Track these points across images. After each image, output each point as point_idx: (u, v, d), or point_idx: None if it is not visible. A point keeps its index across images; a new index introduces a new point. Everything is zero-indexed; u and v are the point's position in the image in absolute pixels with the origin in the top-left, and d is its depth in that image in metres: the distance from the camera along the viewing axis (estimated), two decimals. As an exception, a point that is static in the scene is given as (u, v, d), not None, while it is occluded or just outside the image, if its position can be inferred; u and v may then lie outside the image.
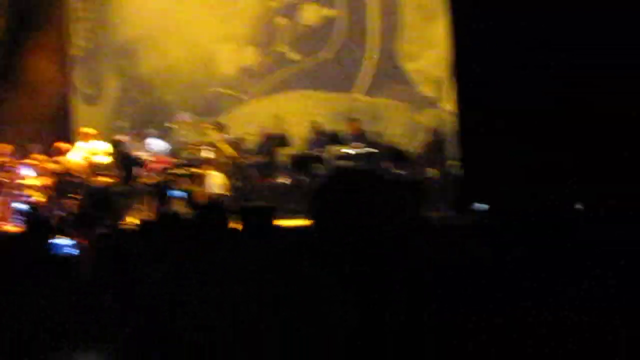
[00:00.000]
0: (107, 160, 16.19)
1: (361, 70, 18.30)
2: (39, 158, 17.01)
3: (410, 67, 17.64)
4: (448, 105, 16.57)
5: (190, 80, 20.68)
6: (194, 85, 20.64)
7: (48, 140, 17.94)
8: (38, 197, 16.51)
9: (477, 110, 11.41)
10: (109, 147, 16.23)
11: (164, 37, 21.08)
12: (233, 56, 19.99)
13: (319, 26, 18.96)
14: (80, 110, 22.09)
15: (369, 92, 18.23)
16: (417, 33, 17.56)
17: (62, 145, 16.74)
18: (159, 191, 11.00)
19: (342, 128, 17.19)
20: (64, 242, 10.57)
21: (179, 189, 14.45)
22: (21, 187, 17.46)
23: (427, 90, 17.52)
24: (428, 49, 17.34)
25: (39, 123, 19.53)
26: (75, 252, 8.98)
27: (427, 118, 17.54)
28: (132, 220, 14.00)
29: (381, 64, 18.08)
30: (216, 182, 15.50)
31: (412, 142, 17.30)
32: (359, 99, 18.30)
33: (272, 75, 19.55)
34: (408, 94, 17.71)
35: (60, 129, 20.52)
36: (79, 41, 22.61)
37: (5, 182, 17.76)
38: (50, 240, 7.23)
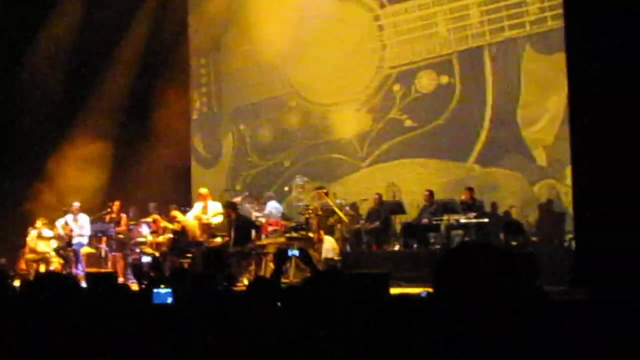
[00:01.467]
0: (222, 220, 16.40)
1: (477, 139, 18.21)
2: (156, 217, 17.38)
3: (528, 136, 17.43)
4: (565, 179, 16.39)
5: (306, 145, 20.92)
6: (310, 150, 20.86)
7: (167, 200, 18.34)
8: (153, 254, 16.85)
9: (595, 185, 11.25)
10: (224, 209, 16.44)
11: (278, 103, 21.45)
12: (349, 122, 20.08)
13: (435, 94, 18.95)
14: (199, 172, 22.55)
15: (485, 162, 18.13)
16: (535, 103, 17.36)
17: (175, 213, 17.07)
18: (275, 253, 11.06)
19: (457, 197, 17.11)
20: (164, 291, 10.80)
21: (294, 248, 14.54)
22: (137, 244, 17.89)
23: (542, 161, 17.29)
24: (545, 119, 17.12)
25: (159, 184, 20.02)
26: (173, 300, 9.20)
27: (542, 190, 17.29)
28: (245, 281, 14.17)
29: (498, 133, 17.94)
30: (329, 246, 15.56)
31: (526, 213, 17.10)
32: (474, 168, 18.21)
33: (388, 142, 19.57)
34: (524, 165, 17.49)
35: (179, 191, 21.01)
36: (199, 106, 23.19)
37: (123, 238, 18.24)
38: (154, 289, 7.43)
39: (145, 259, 16.42)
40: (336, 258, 15.42)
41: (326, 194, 16.93)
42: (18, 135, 19.60)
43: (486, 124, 18.03)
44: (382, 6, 19.83)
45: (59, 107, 20.36)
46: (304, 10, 20.36)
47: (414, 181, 18.61)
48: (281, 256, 10.07)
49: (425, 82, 19.05)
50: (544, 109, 17.04)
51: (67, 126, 20.54)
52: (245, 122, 22.29)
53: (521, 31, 17.68)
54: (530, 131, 17.34)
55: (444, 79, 18.76)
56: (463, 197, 16.56)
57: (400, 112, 19.38)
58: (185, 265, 15.49)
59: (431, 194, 17.06)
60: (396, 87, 19.49)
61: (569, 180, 15.36)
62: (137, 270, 15.52)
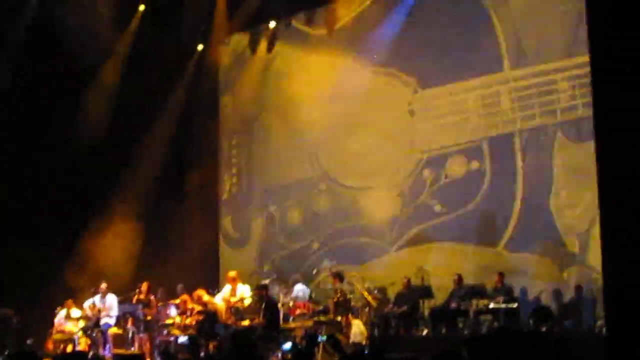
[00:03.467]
0: (250, 303, 16.35)
1: (508, 224, 18.19)
2: (184, 298, 17.37)
3: (558, 222, 17.39)
4: (594, 262, 16.28)
5: (335, 228, 20.93)
6: (338, 233, 20.85)
7: (196, 281, 18.35)
8: (191, 334, 16.80)
9: (625, 270, 11.15)
10: (255, 290, 16.41)
11: (308, 186, 21.54)
12: (379, 206, 20.03)
13: (466, 179, 18.96)
14: (228, 253, 22.59)
15: (514, 247, 18.00)
16: (570, 190, 17.31)
17: (200, 292, 17.04)
18: (305, 338, 11.04)
19: (486, 281, 17.02)
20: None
21: (324, 335, 14.48)
22: (165, 325, 17.84)
23: (573, 247, 17.19)
24: (581, 207, 17.03)
25: (188, 266, 20.09)
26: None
27: (571, 275, 17.17)
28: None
29: (528, 220, 17.95)
30: (357, 330, 15.46)
31: (556, 299, 16.96)
32: (503, 254, 18.09)
33: (417, 227, 19.53)
34: (554, 250, 17.39)
35: (208, 272, 21.06)
36: (229, 187, 23.32)
37: (151, 320, 18.22)
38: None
39: (182, 339, 16.35)
40: (364, 342, 15.31)
41: (340, 278, 16.82)
42: (49, 214, 19.71)
43: (516, 210, 18.02)
44: (415, 91, 19.98)
45: (91, 187, 20.52)
46: (338, 93, 20.48)
47: (442, 265, 18.53)
48: (311, 341, 10.05)
49: (456, 167, 19.10)
50: (580, 197, 16.97)
51: (98, 206, 20.69)
52: (275, 203, 22.36)
53: (552, 118, 17.77)
54: (564, 216, 17.32)
55: (475, 165, 18.84)
56: (493, 282, 16.51)
57: (430, 197, 19.42)
58: (212, 348, 15.44)
59: (460, 278, 16.98)
60: (426, 172, 19.55)
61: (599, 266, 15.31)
62: (165, 352, 15.49)
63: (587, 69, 16.79)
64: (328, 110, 20.66)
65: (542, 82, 17.95)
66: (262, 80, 22.45)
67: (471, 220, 18.63)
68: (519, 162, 18.18)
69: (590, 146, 16.00)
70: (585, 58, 16.81)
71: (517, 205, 18.03)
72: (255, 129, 22.98)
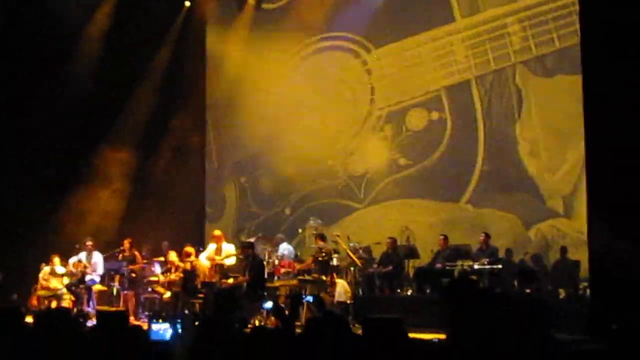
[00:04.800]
0: (235, 262, 16.32)
1: (472, 179, 18.38)
2: (169, 256, 17.33)
3: (539, 182, 17.54)
4: (576, 223, 16.40)
5: (305, 191, 21.11)
6: (309, 196, 21.13)
7: (182, 240, 18.31)
8: (165, 294, 16.79)
9: (609, 229, 11.15)
10: (240, 249, 16.37)
11: (276, 154, 21.54)
12: (346, 166, 20.56)
13: (427, 130, 19.38)
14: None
15: (480, 202, 18.31)
16: (552, 151, 17.39)
17: (188, 249, 16.99)
18: (291, 298, 10.99)
19: (461, 234, 17.16)
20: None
21: (310, 295, 14.47)
22: (150, 282, 17.84)
23: (555, 206, 17.30)
24: (560, 167, 17.15)
25: (173, 225, 20.17)
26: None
27: (540, 231, 17.34)
28: (257, 322, 14.09)
29: (497, 171, 18.21)
30: (342, 289, 15.46)
31: (522, 254, 17.14)
32: (467, 209, 18.42)
33: (384, 182, 19.84)
34: (530, 203, 17.58)
35: (193, 231, 21.11)
36: (210, 152, 23.35)
37: (135, 277, 18.20)
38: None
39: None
40: (349, 302, 15.32)
41: (322, 238, 16.84)
42: (33, 171, 19.61)
43: (480, 158, 18.41)
44: (368, 50, 20.25)
45: (75, 145, 20.41)
46: (298, 70, 21.44)
47: (411, 221, 18.99)
48: (296, 301, 10.01)
49: (416, 119, 19.45)
50: (562, 159, 17.06)
51: (82, 164, 20.60)
52: (245, 174, 22.66)
53: (506, 62, 18.12)
54: (537, 166, 17.55)
55: (435, 115, 19.21)
56: (477, 243, 16.58)
57: (394, 151, 19.65)
58: (197, 306, 15.43)
59: (446, 238, 17.00)
60: (387, 127, 19.74)
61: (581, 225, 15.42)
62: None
63: (536, 10, 17.36)
64: (294, 81, 21.53)
65: (493, 28, 18.30)
66: (246, 43, 22.29)
67: (437, 171, 18.97)
68: (479, 110, 18.46)
69: (553, 81, 16.44)
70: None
71: (481, 152, 18.35)
72: (226, 103, 23.04)
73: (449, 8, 18.94)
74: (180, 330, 9.99)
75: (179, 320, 10.89)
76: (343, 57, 20.83)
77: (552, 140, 17.42)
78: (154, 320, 11.58)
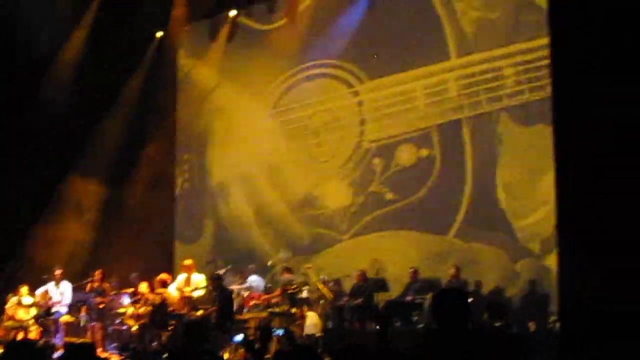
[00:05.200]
0: (204, 294, 16.23)
1: (459, 213, 18.28)
2: (139, 287, 17.23)
3: (516, 224, 17.49)
4: (549, 260, 16.37)
5: (286, 220, 20.95)
6: (289, 225, 20.89)
7: (151, 271, 18.20)
8: (133, 326, 16.67)
9: (582, 268, 11.16)
10: (208, 281, 16.30)
11: (257, 179, 21.55)
12: (330, 196, 20.32)
13: (415, 166, 19.17)
14: (181, 250, 22.47)
15: (466, 235, 18.14)
16: (522, 191, 17.46)
17: (164, 276, 16.92)
18: (261, 328, 10.94)
19: (439, 269, 17.12)
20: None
21: (279, 328, 14.42)
22: (118, 314, 17.71)
23: (531, 246, 17.29)
24: (535, 207, 17.14)
25: (143, 256, 20.01)
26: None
27: (525, 268, 17.31)
28: (227, 355, 13.99)
29: (480, 210, 18.08)
30: (312, 322, 15.41)
31: (508, 290, 17.04)
32: (455, 242, 18.25)
33: (369, 215, 19.65)
34: (508, 243, 17.54)
35: (163, 262, 20.96)
36: (180, 182, 23.25)
37: (103, 308, 18.06)
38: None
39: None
40: (318, 334, 15.26)
41: (289, 271, 16.76)
42: (1, 201, 19.51)
43: (466, 197, 18.26)
44: (361, 82, 20.15)
45: (45, 174, 20.32)
46: (287, 94, 21.07)
47: (395, 254, 18.71)
48: (265, 334, 9.96)
49: (405, 155, 19.28)
50: (538, 200, 17.06)
51: (49, 194, 20.51)
52: (224, 197, 22.46)
53: (498, 104, 18.02)
54: (520, 219, 17.47)
55: (424, 152, 19.04)
56: (448, 275, 16.56)
57: (381, 185, 19.58)
58: (164, 338, 15.33)
59: (416, 271, 16.99)
60: (376, 160, 19.72)
61: (551, 261, 15.42)
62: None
63: (532, 55, 17.34)
64: (278, 106, 21.29)
65: (487, 69, 18.21)
66: (219, 73, 22.33)
67: (422, 207, 18.81)
68: (468, 149, 18.42)
69: (537, 130, 16.40)
70: (529, 44, 17.35)
71: (468, 192, 18.26)
72: (205, 122, 22.95)
73: (445, 46, 18.84)
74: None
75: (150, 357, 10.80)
76: (333, 86, 20.69)
77: (527, 184, 17.42)
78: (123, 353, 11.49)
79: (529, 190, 17.28)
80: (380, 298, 17.45)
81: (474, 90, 18.34)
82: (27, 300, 17.75)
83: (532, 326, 16.12)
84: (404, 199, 19.13)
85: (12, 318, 17.72)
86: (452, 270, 16.58)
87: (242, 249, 21.49)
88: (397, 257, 18.55)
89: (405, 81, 19.40)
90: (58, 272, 17.83)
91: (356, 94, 20.34)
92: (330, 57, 20.55)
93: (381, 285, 17.48)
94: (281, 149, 21.31)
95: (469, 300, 5.95)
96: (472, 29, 18.57)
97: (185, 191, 23.37)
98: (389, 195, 19.40)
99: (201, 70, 22.61)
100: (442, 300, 5.66)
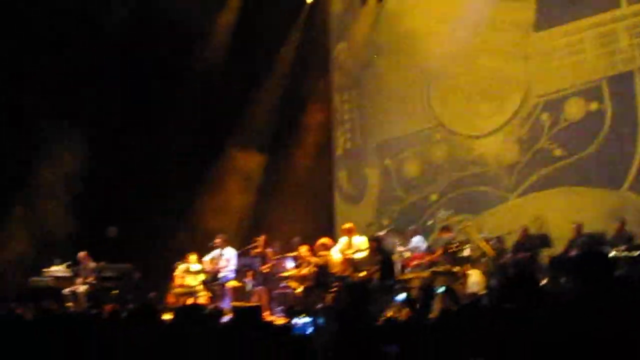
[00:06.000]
0: (366, 255, 16.31)
1: (632, 166, 17.66)
2: (301, 251, 17.46)
3: None
4: None
5: (453, 178, 20.75)
6: (456, 183, 20.69)
7: (312, 235, 18.40)
8: (297, 288, 16.92)
9: None
10: (369, 242, 16.38)
11: (423, 136, 21.36)
12: (496, 154, 19.84)
13: (585, 121, 18.52)
14: (343, 209, 22.59)
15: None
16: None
17: (325, 240, 17.10)
18: (423, 288, 10.93)
19: (610, 228, 16.60)
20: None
21: (441, 286, 14.37)
22: (282, 278, 18.00)
23: None
24: None
25: (304, 220, 20.21)
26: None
27: None
28: (390, 313, 14.06)
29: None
30: (475, 280, 15.30)
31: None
32: (629, 197, 17.62)
33: (537, 172, 19.18)
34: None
35: (324, 226, 21.13)
36: (343, 142, 23.30)
37: (268, 272, 18.40)
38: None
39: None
40: (482, 292, 15.15)
41: (447, 229, 16.62)
42: (167, 170, 20.09)
43: (639, 152, 17.53)
44: (528, 34, 19.54)
45: (204, 145, 20.80)
46: (447, 45, 19.90)
47: (564, 212, 18.08)
48: (427, 293, 9.95)
49: (574, 109, 18.65)
50: None
51: (211, 164, 21.00)
52: (390, 156, 22.27)
53: None
54: None
55: (594, 106, 18.36)
56: (615, 230, 16.11)
57: (549, 141, 19.03)
58: (329, 300, 15.50)
59: (580, 227, 16.59)
60: (544, 116, 19.16)
61: None
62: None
63: None
64: (440, 60, 20.06)
65: None
66: (375, 25, 22.20)
67: (592, 163, 18.17)
68: None
69: None
70: None
71: (640, 145, 17.52)
72: (367, 81, 22.84)
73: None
74: (321, 324, 10.07)
75: (321, 314, 10.95)
76: (500, 37, 20.09)
77: None
78: (295, 315, 11.65)
79: None
80: (545, 254, 17.18)
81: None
82: (195, 267, 18.25)
83: None
84: (573, 155, 18.57)
85: (181, 285, 18.27)
86: (617, 224, 16.15)
87: (406, 208, 21.47)
88: (565, 214, 17.88)
89: (573, 32, 18.76)
90: (220, 238, 18.18)
91: (522, 46, 19.71)
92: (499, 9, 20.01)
93: (545, 241, 17.19)
94: (445, 103, 21.01)
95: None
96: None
97: (346, 152, 23.45)
98: (558, 152, 18.88)
99: (355, 31, 22.55)
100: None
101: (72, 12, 19.10)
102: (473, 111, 20.42)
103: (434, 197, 21.10)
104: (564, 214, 17.96)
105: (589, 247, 15.83)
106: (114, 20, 19.78)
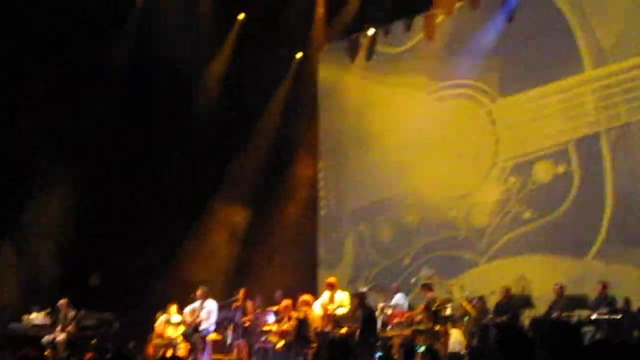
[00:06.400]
0: (347, 311, 16.26)
1: (599, 231, 17.71)
2: (287, 304, 17.39)
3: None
4: None
5: (426, 242, 20.87)
6: (429, 246, 20.83)
7: (296, 288, 18.37)
8: (278, 343, 16.83)
9: None
10: (351, 298, 16.35)
11: (396, 202, 21.57)
12: (468, 217, 20.10)
13: (553, 183, 18.77)
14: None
15: (608, 256, 17.47)
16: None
17: (307, 297, 17.06)
18: (405, 345, 10.92)
19: (584, 292, 16.61)
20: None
21: (421, 344, 14.33)
22: (263, 332, 17.91)
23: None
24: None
25: (287, 273, 20.24)
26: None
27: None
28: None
29: (621, 224, 17.45)
30: (457, 339, 15.28)
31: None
32: (595, 264, 17.63)
33: (507, 235, 19.35)
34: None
35: (307, 279, 21.15)
36: (325, 204, 23.41)
37: (249, 326, 18.31)
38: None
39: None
40: (463, 352, 15.12)
41: (428, 288, 16.66)
42: (149, 222, 20.07)
43: (607, 215, 17.65)
44: (494, 100, 19.89)
45: (189, 198, 20.84)
46: (420, 117, 20.91)
47: (536, 276, 18.24)
48: (408, 351, 9.93)
49: (542, 172, 18.92)
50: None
51: (197, 217, 21.03)
52: (364, 222, 22.52)
53: (638, 115, 17.44)
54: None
55: (561, 169, 18.62)
56: (595, 292, 16.13)
57: (518, 204, 19.22)
58: (311, 355, 15.42)
59: (561, 288, 16.62)
60: (512, 180, 19.39)
61: None
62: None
63: None
64: (413, 132, 21.03)
65: (624, 80, 17.61)
66: (359, 96, 22.49)
67: (561, 226, 18.31)
68: (608, 163, 17.85)
69: None
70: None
71: (609, 208, 17.65)
72: (342, 154, 23.11)
73: (579, 58, 18.43)
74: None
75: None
76: (467, 105, 20.49)
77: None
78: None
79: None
80: (526, 315, 17.17)
81: (612, 101, 17.82)
82: (175, 318, 18.14)
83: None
84: (542, 217, 18.72)
85: (161, 336, 18.14)
86: (599, 286, 16.17)
87: (386, 269, 21.49)
88: (541, 277, 18.03)
89: (539, 97, 19.06)
90: (199, 291, 18.05)
91: (489, 113, 20.06)
92: (466, 77, 20.42)
93: (527, 301, 17.19)
94: (417, 169, 21.20)
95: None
96: (608, 40, 18.04)
97: (330, 209, 23.51)
98: (527, 214, 19.03)
99: (342, 89, 22.75)
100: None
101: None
102: (444, 175, 20.65)
103: (407, 260, 21.24)
104: (536, 279, 18.12)
105: (571, 309, 15.90)
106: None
